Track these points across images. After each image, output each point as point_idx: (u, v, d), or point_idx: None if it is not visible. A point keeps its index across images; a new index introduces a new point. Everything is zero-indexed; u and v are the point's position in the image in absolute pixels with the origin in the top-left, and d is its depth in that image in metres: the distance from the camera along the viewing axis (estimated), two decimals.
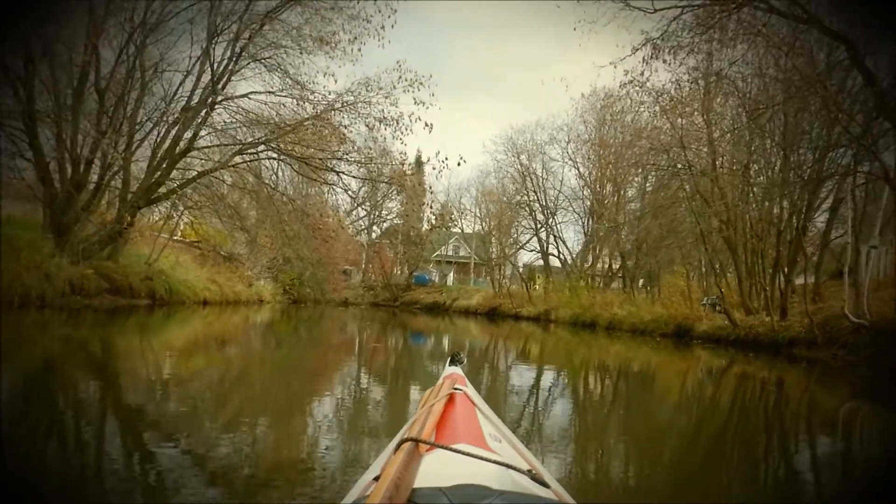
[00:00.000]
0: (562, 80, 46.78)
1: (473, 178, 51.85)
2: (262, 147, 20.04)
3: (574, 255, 44.99)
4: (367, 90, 20.14)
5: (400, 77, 20.25)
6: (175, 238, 30.32)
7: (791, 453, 7.53)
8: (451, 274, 60.65)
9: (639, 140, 28.46)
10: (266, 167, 24.61)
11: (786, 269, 23.55)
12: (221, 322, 24.07)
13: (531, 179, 43.78)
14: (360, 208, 53.98)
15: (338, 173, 19.91)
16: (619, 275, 42.06)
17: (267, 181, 20.86)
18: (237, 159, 20.41)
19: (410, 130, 19.55)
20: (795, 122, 22.45)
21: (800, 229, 22.13)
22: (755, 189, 24.41)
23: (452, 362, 3.40)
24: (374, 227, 57.42)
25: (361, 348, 18.94)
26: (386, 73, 20.50)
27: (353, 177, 20.43)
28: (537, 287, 46.51)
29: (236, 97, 19.76)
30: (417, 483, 1.55)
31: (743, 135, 24.78)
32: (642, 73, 25.53)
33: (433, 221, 21.80)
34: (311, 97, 19.62)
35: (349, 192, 20.79)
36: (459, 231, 59.67)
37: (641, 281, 37.96)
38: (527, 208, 45.03)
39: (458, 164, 19.20)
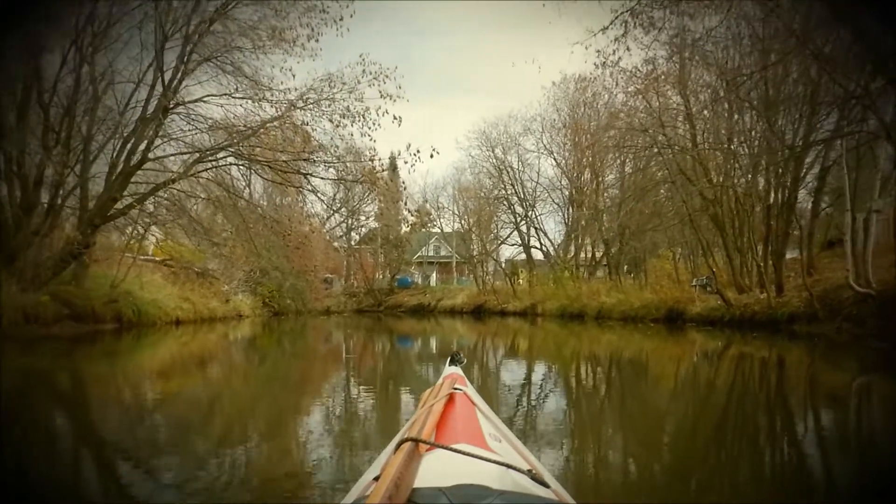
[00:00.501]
0: (534, 62, 45.11)
1: (449, 176, 50.94)
2: (222, 154, 18.67)
3: (556, 246, 43.83)
4: (329, 86, 18.87)
5: (364, 70, 18.98)
6: (144, 257, 28.86)
7: (799, 440, 6.89)
8: (434, 274, 59.34)
9: (615, 123, 27.33)
10: (236, 177, 23.30)
11: (777, 244, 22.45)
12: (198, 341, 22.64)
13: (507, 172, 42.62)
14: (336, 214, 52.70)
15: (305, 175, 18.51)
16: (604, 263, 41.00)
17: (232, 190, 19.33)
18: (200, 169, 18.96)
19: (378, 125, 18.32)
20: (777, 88, 21.36)
21: (789, 200, 20.99)
22: (739, 162, 23.29)
23: (452, 362, 3.34)
24: (353, 233, 56.06)
25: (347, 357, 17.72)
26: (349, 67, 19.22)
27: (322, 178, 19.15)
28: (521, 281, 45.37)
29: (191, 102, 18.38)
30: (417, 483, 1.53)
31: (723, 107, 23.70)
32: (614, 53, 24.69)
33: (411, 218, 20.36)
34: (270, 97, 18.31)
35: (319, 195, 19.38)
36: (439, 231, 58.42)
37: (626, 267, 36.85)
38: (505, 202, 43.83)
39: (431, 157, 17.93)
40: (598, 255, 42.13)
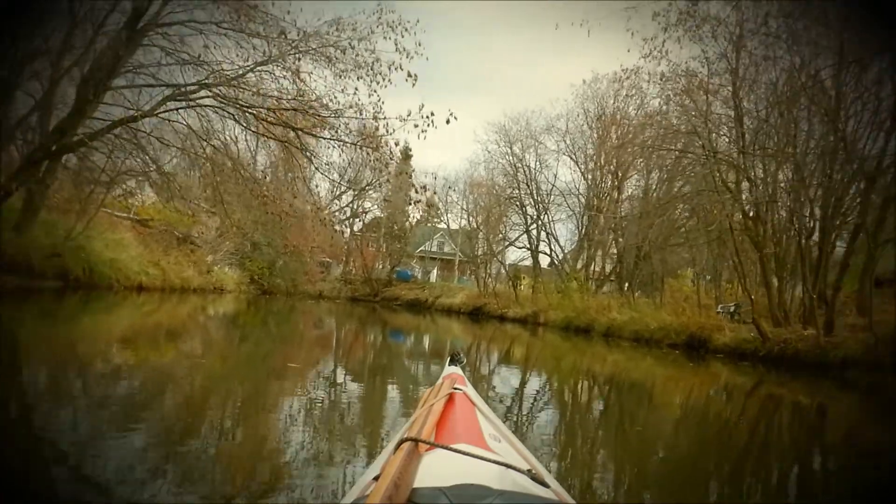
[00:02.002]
0: (581, 25, 40.20)
1: (462, 172, 47.12)
2: (201, 94, 15.01)
3: (566, 254, 40.06)
4: (337, 31, 15.30)
5: (379, 19, 15.39)
6: (121, 214, 25.34)
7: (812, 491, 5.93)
8: (435, 270, 55.95)
9: (651, 123, 23.63)
10: (233, 138, 19.62)
11: (831, 274, 18.77)
12: (164, 312, 19.24)
13: (524, 171, 38.88)
14: (342, 197, 49.22)
15: (295, 130, 14.89)
16: (611, 278, 37.35)
17: (202, 135, 15.63)
18: (172, 107, 15.25)
19: (389, 80, 14.76)
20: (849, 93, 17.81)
21: (864, 226, 17.25)
22: (797, 175, 19.57)
23: (452, 362, 3.22)
24: (357, 219, 52.59)
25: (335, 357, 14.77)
26: (363, 14, 15.63)
27: (314, 135, 15.43)
28: (523, 288, 41.75)
29: (167, 25, 14.67)
30: (417, 483, 1.51)
31: (780, 112, 20.04)
32: (664, 43, 21.11)
33: (416, 197, 16.56)
34: (263, 33, 14.68)
35: (311, 159, 15.54)
36: (445, 226, 54.85)
37: (635, 285, 33.11)
38: (517, 203, 40.06)
39: (447, 122, 14.27)
40: (608, 268, 38.58)
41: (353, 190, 46.18)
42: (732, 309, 23.09)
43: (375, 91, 14.54)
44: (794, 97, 18.47)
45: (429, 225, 58.30)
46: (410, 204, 14.64)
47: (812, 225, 19.54)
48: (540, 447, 5.93)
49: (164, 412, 6.69)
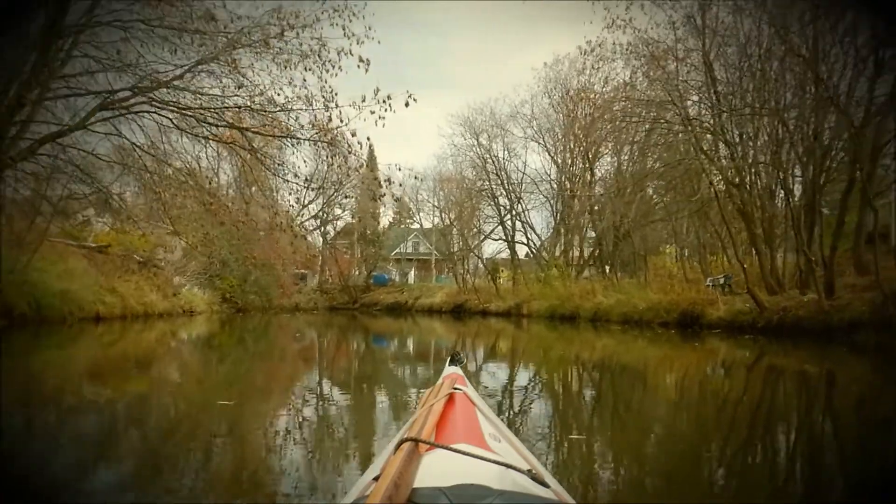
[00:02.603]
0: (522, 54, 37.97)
1: (430, 168, 45.70)
2: (133, 100, 13.43)
3: (543, 241, 38.77)
4: (278, 20, 13.84)
5: (323, 4, 13.94)
6: (75, 243, 23.67)
7: (829, 471, 5.37)
8: (412, 272, 54.50)
9: (618, 98, 22.37)
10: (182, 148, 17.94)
11: (822, 235, 17.64)
12: (128, 342, 17.64)
13: (493, 162, 37.52)
14: (312, 205, 47.61)
15: (241, 130, 13.39)
16: (590, 263, 36.16)
17: (138, 146, 13.99)
18: (105, 116, 13.62)
19: (339, 68, 13.33)
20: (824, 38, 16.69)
21: (860, 180, 16.07)
22: (776, 133, 18.41)
23: (452, 362, 3.16)
24: (329, 227, 50.96)
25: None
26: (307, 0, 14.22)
27: (260, 133, 13.92)
28: (502, 280, 40.49)
29: (91, 27, 12.98)
30: (417, 483, 1.49)
31: (753, 70, 18.89)
32: (627, 9, 19.94)
33: (380, 191, 15.00)
34: (202, 28, 13.13)
35: (262, 160, 13.99)
36: (418, 226, 53.46)
37: (617, 266, 31.90)
38: (489, 195, 38.71)
39: (406, 105, 12.79)
40: (586, 252, 37.39)
41: (312, 189, 44.70)
42: (722, 281, 21.94)
43: (325, 80, 13.17)
44: (767, 51, 17.29)
45: (402, 226, 56.91)
46: (375, 199, 13.17)
47: (800, 185, 18.38)
48: (535, 443, 5.62)
49: (145, 443, 6.07)
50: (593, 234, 36.82)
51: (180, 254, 31.25)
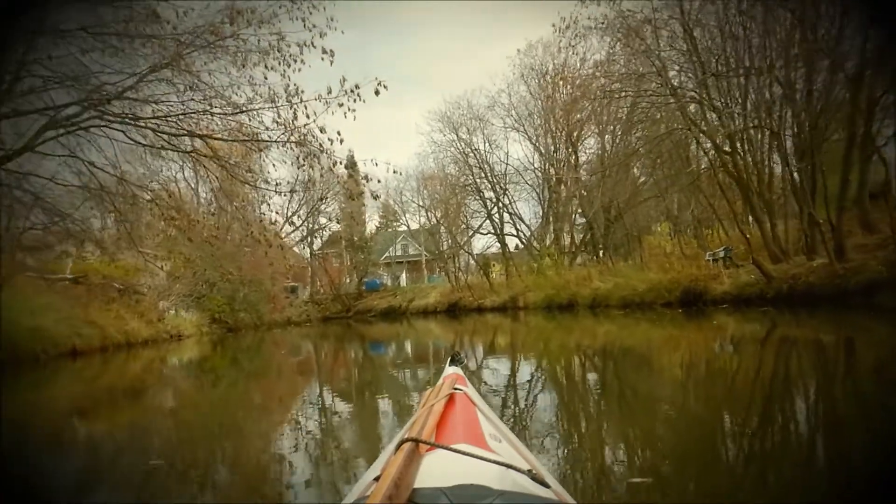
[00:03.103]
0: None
1: (412, 168, 44.55)
2: (84, 115, 12.21)
3: (532, 231, 37.65)
4: (233, 17, 12.67)
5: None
6: (49, 276, 22.43)
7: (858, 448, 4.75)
8: (404, 274, 53.37)
9: (597, 76, 21.27)
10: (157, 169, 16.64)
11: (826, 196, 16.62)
12: (113, 374, 16.50)
13: (474, 156, 36.39)
14: (296, 216, 46.39)
15: (201, 137, 12.17)
16: (583, 249, 35.11)
17: (92, 165, 12.74)
18: (51, 135, 12.38)
19: (302, 61, 12.15)
20: None
21: (860, 135, 15.03)
22: (768, 93, 17.39)
23: (452, 362, 3.10)
24: (316, 237, 49.73)
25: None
26: None
27: (220, 139, 12.71)
28: (495, 275, 39.40)
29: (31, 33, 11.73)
30: (418, 483, 1.49)
31: (734, 32, 17.89)
32: None
33: (357, 188, 13.72)
34: (149, 32, 11.95)
35: (227, 168, 12.73)
36: (405, 228, 52.28)
37: (610, 249, 30.86)
38: (474, 189, 37.56)
39: (377, 93, 11.62)
40: (577, 238, 36.35)
41: (283, 194, 43.61)
42: (722, 254, 20.92)
43: (289, 77, 12.01)
44: (750, 7, 16.26)
45: (389, 230, 55.78)
46: (353, 198, 12.00)
47: (793, 146, 17.37)
48: (539, 440, 5.38)
49: (145, 467, 5.68)
50: (583, 221, 35.84)
51: (164, 278, 30.08)
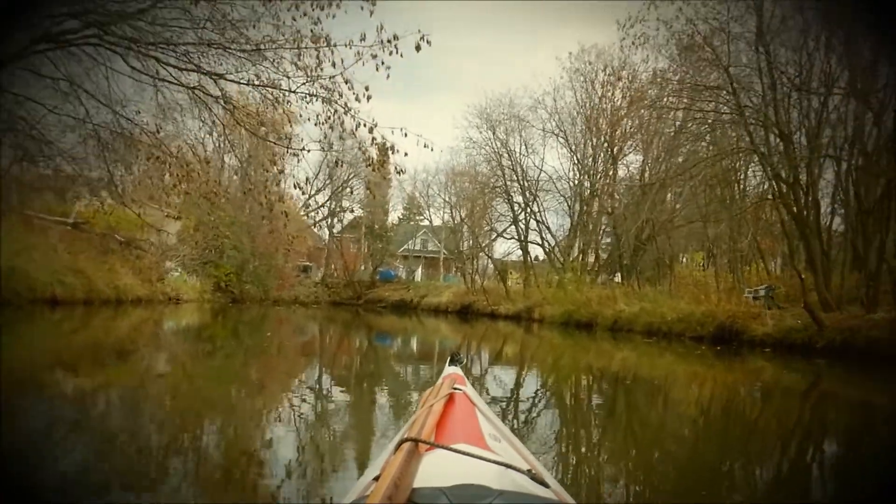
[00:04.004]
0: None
1: (443, 164, 42.81)
2: (79, 32, 10.38)
3: (558, 242, 35.51)
4: None
5: None
6: (49, 218, 20.81)
7: None
8: (420, 269, 51.50)
9: (657, 82, 19.27)
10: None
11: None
12: (96, 329, 15.08)
13: (508, 157, 34.36)
14: (320, 194, 44.79)
15: (211, 75, 10.31)
16: (607, 269, 33.03)
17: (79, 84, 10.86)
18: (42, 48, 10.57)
19: (337, 5, 10.24)
20: None
21: None
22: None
23: (452, 362, 3.03)
24: (336, 220, 48.09)
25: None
26: None
27: (234, 81, 10.85)
28: (512, 283, 37.39)
29: None
30: (417, 483, 1.45)
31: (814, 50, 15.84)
32: None
33: (372, 153, 11.61)
34: None
35: (233, 113, 10.82)
36: (428, 223, 50.45)
37: (637, 272, 28.73)
38: (503, 191, 35.53)
39: (417, 49, 9.60)
40: (602, 256, 34.27)
41: (296, 154, 41.78)
42: (763, 293, 18.81)
43: (319, 21, 10.08)
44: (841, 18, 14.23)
45: (411, 223, 53.99)
46: (372, 167, 10.09)
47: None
48: (545, 455, 5.02)
49: (134, 444, 5.28)
50: (609, 240, 33.80)
51: (173, 237, 28.44)
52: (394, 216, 52.03)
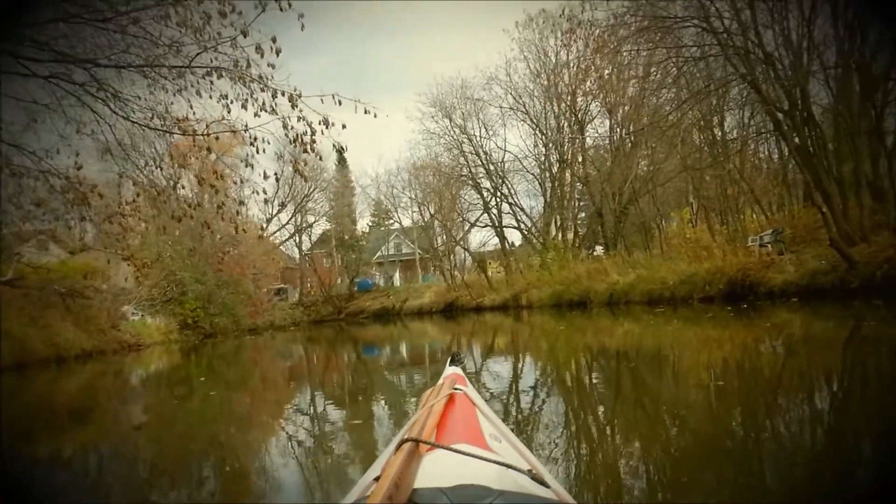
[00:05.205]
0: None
1: (403, 161, 40.22)
2: None
3: (534, 222, 33.17)
4: None
5: None
6: None
7: None
8: (397, 274, 49.07)
9: (623, 24, 16.94)
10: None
11: None
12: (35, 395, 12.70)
13: (469, 143, 32.00)
14: (282, 213, 42.30)
15: (79, 62, 7.79)
16: (586, 242, 30.87)
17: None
18: None
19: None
20: None
21: None
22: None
23: (452, 362, 2.96)
24: (304, 236, 45.59)
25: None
26: None
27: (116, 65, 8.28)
28: (492, 272, 35.13)
29: None
30: (418, 483, 1.44)
31: None
32: None
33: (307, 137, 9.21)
34: None
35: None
36: (398, 226, 47.98)
37: (623, 238, 26.52)
38: (469, 179, 33.13)
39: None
40: (581, 230, 32.09)
41: (292, 204, 39.25)
42: (769, 237, 16.65)
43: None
44: None
45: (381, 228, 51.45)
46: (307, 150, 7.81)
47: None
48: (544, 454, 4.48)
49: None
50: (584, 214, 31.66)
51: (128, 278, 25.76)
52: (363, 224, 49.67)
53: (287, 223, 44.25)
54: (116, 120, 8.57)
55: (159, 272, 26.52)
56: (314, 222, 45.49)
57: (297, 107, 7.64)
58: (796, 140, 14.46)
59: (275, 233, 43.39)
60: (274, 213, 41.29)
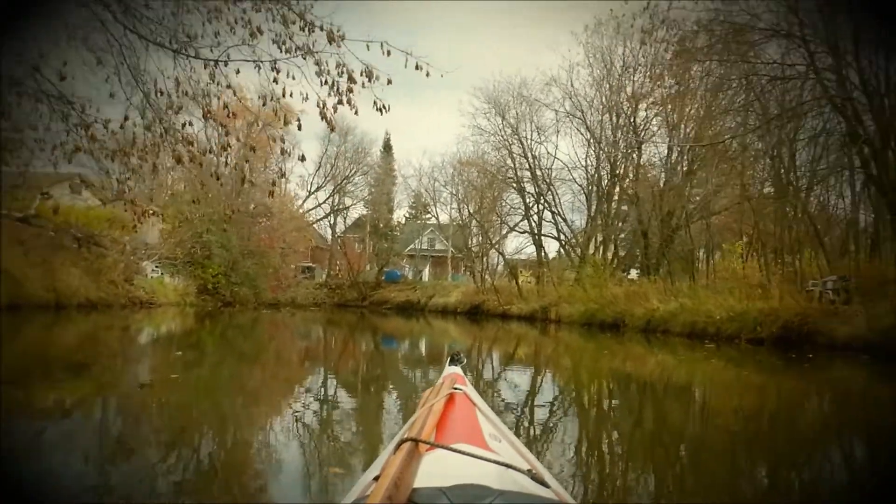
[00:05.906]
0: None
1: (449, 156, 38.98)
2: None
3: (575, 235, 31.49)
4: None
5: None
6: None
7: None
8: (427, 269, 47.88)
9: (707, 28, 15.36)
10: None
11: None
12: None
13: (520, 143, 30.48)
14: (320, 192, 41.48)
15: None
16: (623, 264, 29.26)
17: None
18: None
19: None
20: None
21: None
22: None
23: (452, 362, 2.91)
24: (339, 218, 44.68)
25: None
26: None
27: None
28: (523, 281, 33.63)
29: None
30: (417, 483, 1.41)
31: None
32: None
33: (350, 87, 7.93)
34: None
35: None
36: (435, 221, 46.78)
37: (668, 265, 24.81)
38: (515, 182, 31.62)
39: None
40: (622, 250, 30.46)
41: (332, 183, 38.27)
42: (833, 284, 14.99)
43: None
44: None
45: (417, 221, 50.38)
46: (343, 102, 6.63)
47: None
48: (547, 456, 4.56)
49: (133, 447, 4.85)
50: (623, 235, 30.00)
51: (154, 234, 24.90)
52: (399, 214, 48.59)
53: (323, 202, 43.35)
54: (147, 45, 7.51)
55: (185, 231, 25.64)
56: (351, 205, 44.62)
57: (339, 45, 6.39)
58: (883, 181, 12.79)
59: (310, 210, 42.54)
60: (312, 189, 40.49)
